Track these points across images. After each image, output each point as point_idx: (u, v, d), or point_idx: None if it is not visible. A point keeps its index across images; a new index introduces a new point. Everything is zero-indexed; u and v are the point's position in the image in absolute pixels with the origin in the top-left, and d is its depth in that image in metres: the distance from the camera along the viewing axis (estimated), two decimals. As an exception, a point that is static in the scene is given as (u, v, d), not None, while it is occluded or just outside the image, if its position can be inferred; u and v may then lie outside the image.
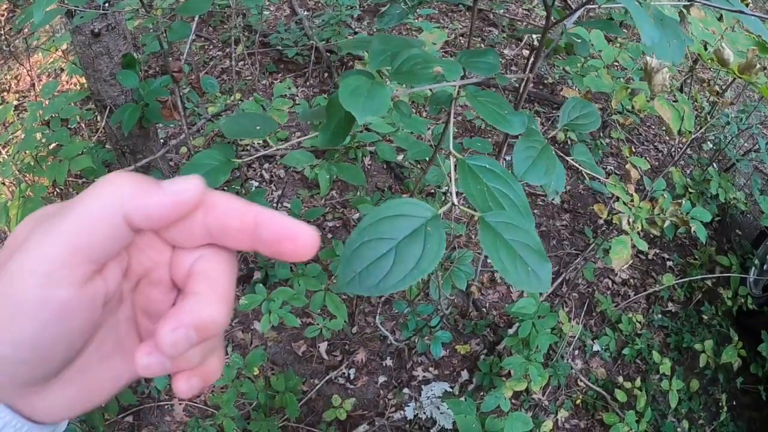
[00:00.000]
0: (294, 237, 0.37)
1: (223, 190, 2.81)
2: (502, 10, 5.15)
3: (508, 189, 0.58)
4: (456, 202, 0.51)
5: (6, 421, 0.37)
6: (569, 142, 3.70)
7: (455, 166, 0.59)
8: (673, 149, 3.96)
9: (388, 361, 2.78)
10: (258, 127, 0.78)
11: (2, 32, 4.85)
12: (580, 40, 1.02)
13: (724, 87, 3.51)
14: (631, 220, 2.06)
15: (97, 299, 0.36)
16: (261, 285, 1.96)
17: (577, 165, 0.85)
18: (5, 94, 4.77)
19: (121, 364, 0.41)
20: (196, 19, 1.81)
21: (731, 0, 0.88)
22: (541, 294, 2.37)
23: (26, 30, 5.13)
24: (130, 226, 0.35)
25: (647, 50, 2.74)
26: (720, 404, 2.87)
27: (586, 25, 0.90)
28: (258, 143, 3.38)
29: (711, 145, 3.96)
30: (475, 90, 0.73)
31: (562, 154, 0.82)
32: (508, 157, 1.79)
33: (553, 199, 3.66)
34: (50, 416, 0.39)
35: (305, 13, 4.93)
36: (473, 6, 0.90)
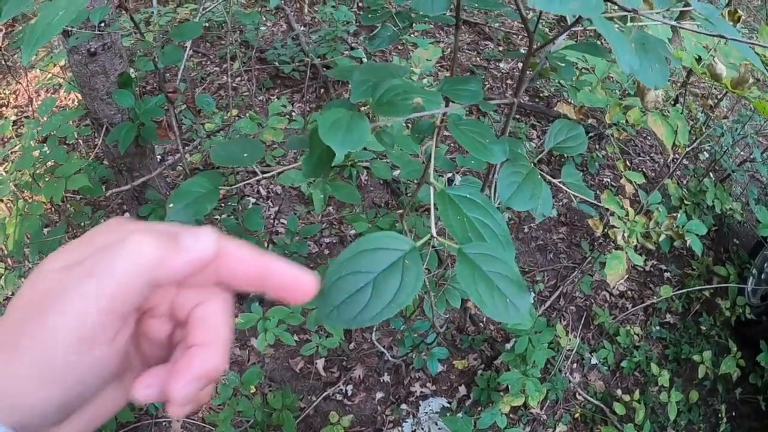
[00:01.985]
0: (298, 287, 0.42)
1: (220, 207, 2.81)
2: (497, 24, 5.17)
3: (489, 219, 0.58)
4: (435, 234, 0.52)
5: None
6: (566, 156, 3.71)
7: (435, 197, 0.59)
8: (669, 160, 3.97)
9: (386, 377, 2.78)
10: (246, 154, 0.79)
11: (0, 48, 4.87)
12: (564, 64, 1.03)
13: (719, 97, 3.52)
14: (626, 234, 2.07)
15: (123, 346, 0.39)
16: (257, 304, 1.96)
17: (565, 188, 0.85)
18: (4, 109, 4.79)
19: (126, 383, 0.43)
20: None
21: (715, 21, 0.89)
22: (537, 308, 2.38)
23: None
24: (156, 285, 0.38)
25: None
26: (720, 415, 2.86)
27: (570, 48, 0.91)
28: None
29: (707, 155, 3.97)
30: (458, 118, 0.74)
31: (549, 177, 0.83)
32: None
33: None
34: None
35: (302, 28, 4.95)
36: (456, 31, 0.91)
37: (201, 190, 0.74)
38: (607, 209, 2.27)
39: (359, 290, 0.44)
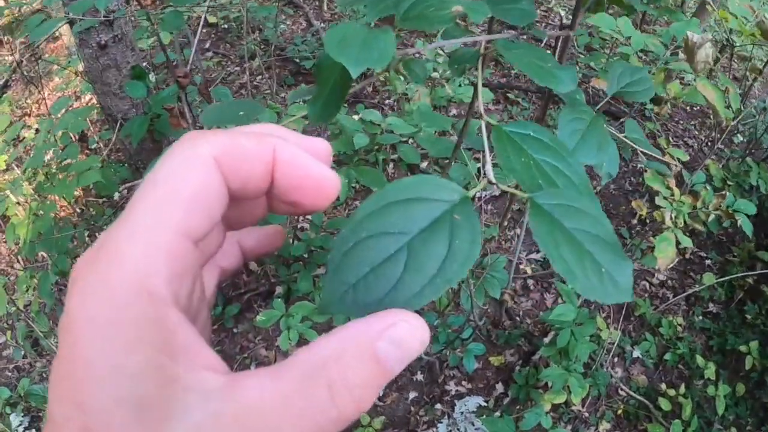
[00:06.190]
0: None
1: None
2: (520, 10, 5.05)
3: (562, 163, 0.43)
4: (492, 179, 0.38)
5: None
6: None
7: (489, 134, 0.45)
8: (704, 144, 3.81)
9: (419, 376, 2.66)
10: (242, 113, 0.67)
11: (23, 59, 4.86)
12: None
13: (766, 60, 3.34)
14: (673, 215, 1.93)
15: None
16: (279, 300, 1.84)
17: (630, 143, 0.73)
18: (27, 118, 4.79)
19: None
20: (212, 36, 1.72)
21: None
22: (578, 298, 2.23)
23: (46, 54, 5.20)
24: None
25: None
26: (767, 408, 2.71)
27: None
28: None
29: (741, 138, 3.82)
30: (508, 42, 0.60)
31: (614, 131, 0.70)
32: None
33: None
34: None
35: (321, 24, 4.88)
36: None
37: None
38: (648, 191, 2.13)
39: (387, 260, 0.29)
